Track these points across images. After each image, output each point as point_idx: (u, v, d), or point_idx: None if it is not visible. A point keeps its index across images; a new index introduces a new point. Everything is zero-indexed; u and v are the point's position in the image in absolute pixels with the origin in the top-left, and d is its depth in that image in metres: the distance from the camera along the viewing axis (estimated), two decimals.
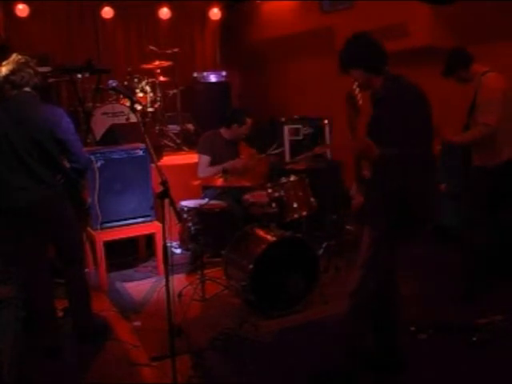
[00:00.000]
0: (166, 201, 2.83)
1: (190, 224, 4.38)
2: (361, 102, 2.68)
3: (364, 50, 2.80)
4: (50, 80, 6.08)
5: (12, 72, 3.22)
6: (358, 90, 2.71)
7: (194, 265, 4.63)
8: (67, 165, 3.42)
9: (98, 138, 5.71)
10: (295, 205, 4.22)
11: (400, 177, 2.67)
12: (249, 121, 5.01)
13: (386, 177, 2.73)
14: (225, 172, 4.40)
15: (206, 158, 4.97)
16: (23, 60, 3.26)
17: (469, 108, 3.86)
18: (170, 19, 8.09)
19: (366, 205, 2.90)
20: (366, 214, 2.92)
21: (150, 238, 5.04)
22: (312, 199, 4.33)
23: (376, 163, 2.74)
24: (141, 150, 4.65)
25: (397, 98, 2.73)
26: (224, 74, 7.82)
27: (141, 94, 6.70)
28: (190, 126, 7.45)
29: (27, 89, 3.26)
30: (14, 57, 3.26)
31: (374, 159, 2.69)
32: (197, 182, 4.69)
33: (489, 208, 3.91)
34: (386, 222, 2.74)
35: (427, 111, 2.79)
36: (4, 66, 3.25)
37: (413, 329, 3.47)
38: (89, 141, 5.70)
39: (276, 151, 5.29)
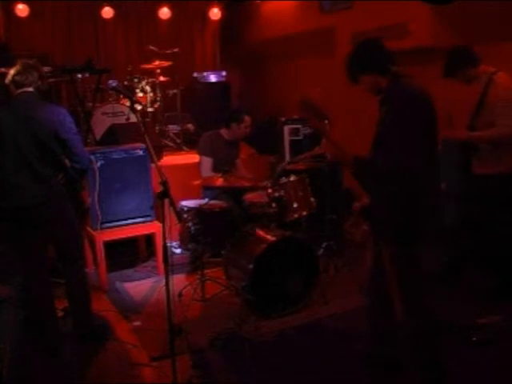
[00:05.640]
0: (166, 201, 2.83)
1: (189, 224, 4.38)
2: (324, 106, 2.63)
3: (375, 51, 2.76)
4: (50, 80, 6.07)
5: (17, 73, 3.30)
6: (317, 95, 2.68)
7: (194, 265, 4.63)
8: (68, 164, 3.42)
9: (98, 137, 5.71)
10: (295, 205, 4.22)
11: (398, 185, 2.56)
12: (247, 118, 4.98)
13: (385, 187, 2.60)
14: (225, 172, 4.40)
15: (208, 160, 4.96)
16: (31, 63, 3.36)
17: (474, 109, 3.72)
18: (170, 19, 8.10)
19: (377, 218, 2.74)
20: (380, 227, 2.77)
21: (149, 238, 5.04)
22: (312, 199, 4.33)
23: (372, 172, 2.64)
24: (141, 150, 4.65)
25: (397, 100, 2.65)
26: (224, 74, 7.82)
27: (141, 94, 6.70)
28: (190, 126, 7.44)
29: (30, 89, 3.30)
30: (23, 60, 3.37)
31: (349, 165, 2.64)
32: (197, 182, 4.69)
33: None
34: (398, 235, 2.66)
35: (430, 115, 2.70)
36: (12, 69, 3.33)
37: None
38: (89, 141, 5.70)
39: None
